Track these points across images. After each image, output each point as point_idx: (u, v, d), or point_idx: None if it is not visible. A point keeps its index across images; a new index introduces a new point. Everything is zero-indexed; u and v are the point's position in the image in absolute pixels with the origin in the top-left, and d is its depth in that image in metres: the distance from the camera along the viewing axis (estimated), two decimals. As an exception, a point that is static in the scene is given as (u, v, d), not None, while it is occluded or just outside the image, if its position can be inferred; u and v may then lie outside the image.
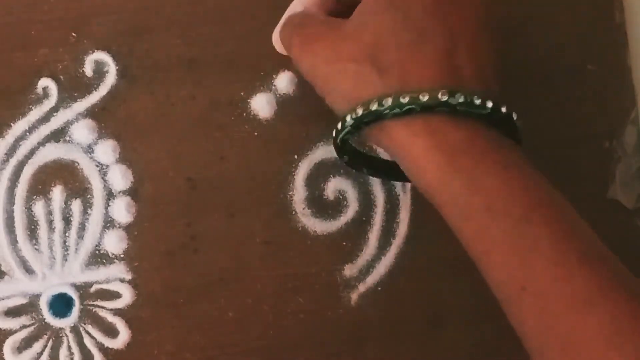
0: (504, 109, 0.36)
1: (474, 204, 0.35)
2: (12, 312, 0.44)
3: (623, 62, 0.47)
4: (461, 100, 0.35)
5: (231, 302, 0.45)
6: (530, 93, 0.47)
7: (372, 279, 0.45)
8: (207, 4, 0.45)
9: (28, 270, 0.44)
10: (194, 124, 0.45)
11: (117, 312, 0.44)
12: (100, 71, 0.45)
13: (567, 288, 0.34)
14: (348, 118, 0.37)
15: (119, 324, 0.44)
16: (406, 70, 0.36)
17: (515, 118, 0.37)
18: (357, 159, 0.42)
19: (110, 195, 0.45)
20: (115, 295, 0.44)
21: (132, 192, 0.45)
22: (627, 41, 0.47)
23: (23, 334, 0.44)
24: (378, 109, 0.36)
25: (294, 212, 0.45)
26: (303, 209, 0.45)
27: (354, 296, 0.45)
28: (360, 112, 0.36)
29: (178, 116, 0.45)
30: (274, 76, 0.46)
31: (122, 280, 0.44)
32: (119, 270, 0.44)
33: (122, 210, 0.44)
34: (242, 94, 0.45)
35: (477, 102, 0.35)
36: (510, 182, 0.35)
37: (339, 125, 0.38)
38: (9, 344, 0.44)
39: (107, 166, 0.45)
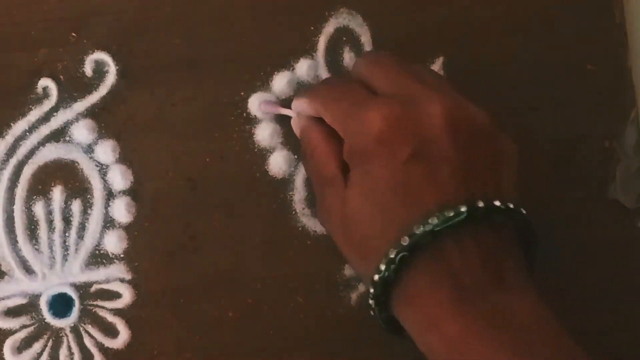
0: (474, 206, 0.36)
1: None
2: (12, 312, 0.44)
3: (623, 62, 0.47)
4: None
5: (231, 302, 0.45)
6: (530, 93, 0.47)
7: (372, 279, 0.45)
8: (208, 3, 0.45)
9: (28, 270, 0.44)
10: (194, 124, 0.45)
11: (117, 312, 0.44)
12: (100, 71, 0.45)
13: None
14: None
15: (119, 324, 0.44)
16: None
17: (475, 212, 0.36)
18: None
19: (110, 195, 0.45)
20: (115, 295, 0.44)
21: (132, 192, 0.45)
22: (627, 41, 0.47)
23: (23, 334, 0.44)
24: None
25: (294, 212, 0.45)
26: (303, 209, 0.45)
27: (354, 296, 0.45)
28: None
29: (178, 116, 0.45)
30: (274, 76, 0.46)
31: (122, 280, 0.44)
32: (119, 270, 0.44)
33: (122, 210, 0.44)
34: (242, 94, 0.45)
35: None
36: None
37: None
38: (9, 344, 0.44)
39: (107, 166, 0.45)
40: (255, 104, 0.45)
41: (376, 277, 0.36)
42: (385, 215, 0.37)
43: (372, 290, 0.37)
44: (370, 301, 0.37)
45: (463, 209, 0.35)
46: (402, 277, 0.36)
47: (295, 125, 0.43)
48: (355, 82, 0.41)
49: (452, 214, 0.35)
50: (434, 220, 0.35)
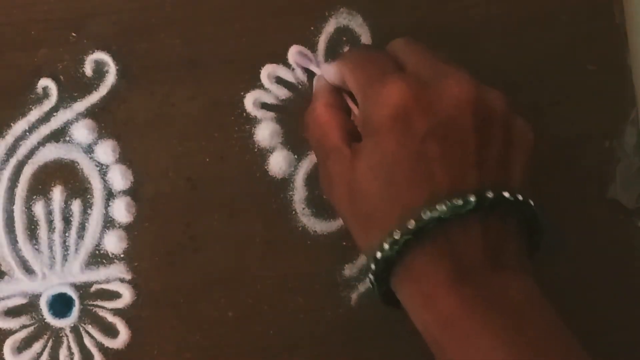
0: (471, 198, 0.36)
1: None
2: (12, 312, 0.44)
3: (623, 62, 0.47)
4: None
5: (231, 302, 0.45)
6: (530, 93, 0.47)
7: (372, 279, 0.45)
8: (207, 4, 0.45)
9: (28, 270, 0.44)
10: (194, 124, 0.45)
11: (117, 312, 0.44)
12: (100, 71, 0.45)
13: None
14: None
15: (119, 324, 0.44)
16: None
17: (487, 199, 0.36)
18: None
19: (110, 195, 0.45)
20: (115, 295, 0.44)
21: (132, 192, 0.45)
22: (627, 41, 0.47)
23: (23, 334, 0.44)
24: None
25: (294, 212, 0.45)
26: (303, 209, 0.45)
27: (354, 296, 0.45)
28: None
29: (178, 116, 0.45)
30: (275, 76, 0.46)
31: (122, 280, 0.44)
32: (119, 270, 0.44)
33: (122, 210, 0.44)
34: (242, 94, 0.45)
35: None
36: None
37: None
38: (9, 344, 0.44)
39: (107, 166, 0.45)
40: (250, 102, 0.45)
41: (379, 254, 0.36)
42: (394, 191, 0.37)
43: (372, 267, 0.37)
44: (370, 276, 0.37)
45: (472, 198, 0.35)
46: (403, 257, 0.36)
47: (314, 85, 0.44)
48: (386, 54, 0.41)
49: (460, 202, 0.35)
50: (442, 207, 0.35)
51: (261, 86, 0.45)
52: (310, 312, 0.45)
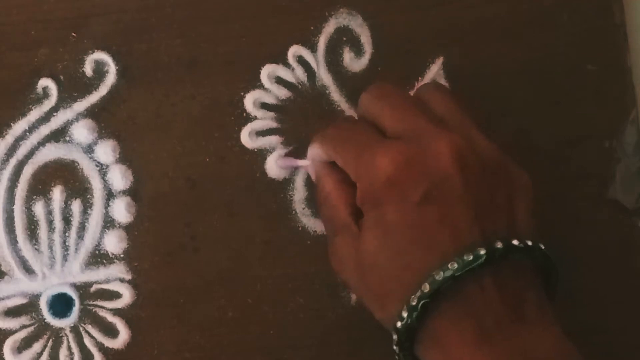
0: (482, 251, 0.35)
1: None
2: (12, 312, 0.44)
3: (623, 62, 0.47)
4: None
5: (231, 302, 0.45)
6: (530, 93, 0.47)
7: (372, 279, 0.45)
8: (207, 4, 0.45)
9: (28, 270, 0.44)
10: (194, 124, 0.45)
11: (117, 312, 0.44)
12: (100, 71, 0.45)
13: None
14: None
15: (119, 324, 0.44)
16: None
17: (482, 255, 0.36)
18: None
19: (110, 195, 0.45)
20: (115, 295, 0.44)
21: (132, 192, 0.45)
22: (627, 41, 0.47)
23: (23, 334, 0.44)
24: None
25: (294, 212, 0.45)
26: (303, 209, 0.45)
27: (354, 296, 0.45)
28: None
29: (178, 116, 0.45)
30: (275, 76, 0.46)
31: (122, 280, 0.44)
32: (119, 270, 0.44)
33: (122, 210, 0.44)
34: (242, 94, 0.45)
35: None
36: None
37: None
38: (9, 344, 0.44)
39: (107, 166, 0.45)
40: (250, 102, 0.45)
41: (399, 324, 0.36)
42: (402, 259, 0.36)
43: (395, 337, 0.37)
44: (395, 347, 0.37)
45: (482, 252, 0.35)
46: (424, 323, 0.36)
47: (311, 171, 0.43)
48: (362, 123, 0.41)
49: (471, 257, 0.35)
50: (453, 265, 0.35)
51: (261, 86, 0.45)
52: (310, 312, 0.45)
